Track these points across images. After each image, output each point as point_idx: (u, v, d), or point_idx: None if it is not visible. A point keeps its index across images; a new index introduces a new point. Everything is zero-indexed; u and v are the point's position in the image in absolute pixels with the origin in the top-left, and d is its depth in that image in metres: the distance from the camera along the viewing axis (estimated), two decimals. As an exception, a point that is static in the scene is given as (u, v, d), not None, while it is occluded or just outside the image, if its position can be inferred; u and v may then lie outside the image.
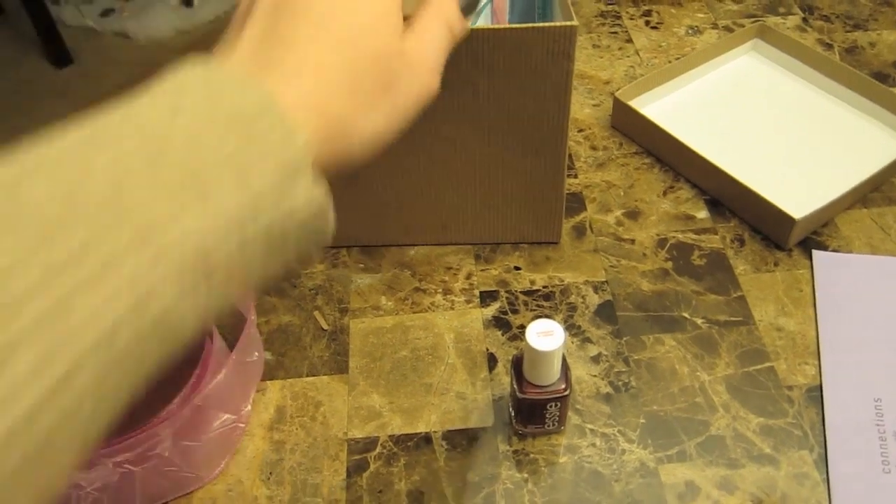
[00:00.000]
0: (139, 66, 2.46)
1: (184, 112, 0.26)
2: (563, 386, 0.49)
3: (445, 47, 0.37)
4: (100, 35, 2.60)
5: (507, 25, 0.52)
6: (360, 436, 0.54)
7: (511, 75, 0.54)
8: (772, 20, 0.88)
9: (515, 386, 0.50)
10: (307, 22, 0.32)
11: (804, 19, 0.88)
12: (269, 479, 0.52)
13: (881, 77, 0.80)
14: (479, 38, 0.52)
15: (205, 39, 2.54)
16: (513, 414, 0.53)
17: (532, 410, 0.51)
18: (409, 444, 0.54)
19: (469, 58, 0.53)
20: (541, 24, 0.51)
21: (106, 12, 2.62)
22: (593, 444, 0.53)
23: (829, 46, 0.84)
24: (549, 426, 0.52)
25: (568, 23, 0.51)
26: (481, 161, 0.59)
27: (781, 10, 0.89)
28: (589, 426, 0.54)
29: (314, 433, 0.54)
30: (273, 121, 0.27)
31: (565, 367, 0.50)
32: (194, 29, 2.59)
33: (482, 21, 0.58)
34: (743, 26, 0.86)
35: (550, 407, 0.50)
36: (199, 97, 0.27)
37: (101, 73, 2.47)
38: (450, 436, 0.54)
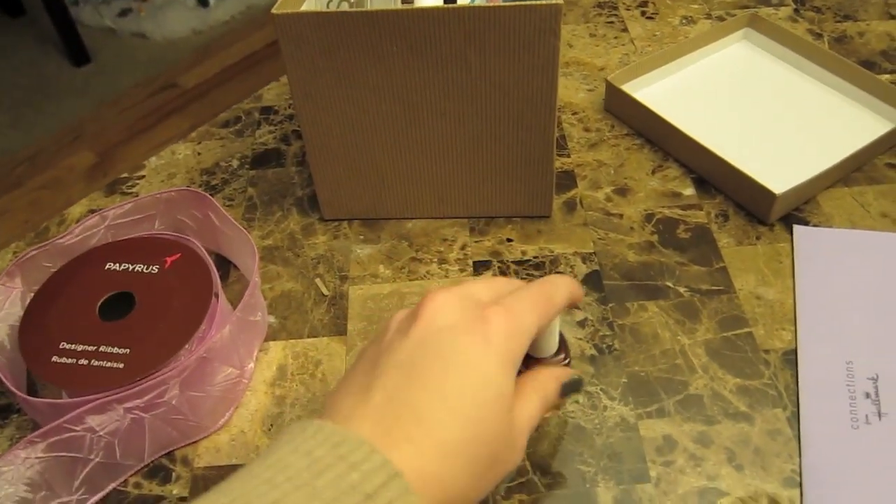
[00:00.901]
0: (155, 64, 2.51)
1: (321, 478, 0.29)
2: (563, 356, 0.50)
3: (536, 425, 0.40)
4: (117, 35, 2.66)
5: (498, 4, 0.55)
6: (357, 392, 0.57)
7: (502, 51, 0.57)
8: (764, 11, 0.90)
9: None
10: (438, 396, 0.34)
11: (796, 10, 0.91)
12: (270, 430, 0.55)
13: (868, 65, 0.82)
14: (471, 15, 0.55)
15: (219, 38, 2.59)
16: None
17: None
18: (402, 400, 0.57)
19: (462, 35, 0.56)
20: (528, 3, 0.54)
21: (123, 12, 2.68)
22: (577, 402, 0.56)
23: (819, 36, 0.87)
24: None
25: (553, 1, 0.54)
26: (475, 135, 0.62)
27: (774, 0, 0.92)
28: (573, 385, 0.57)
29: (313, 389, 0.58)
30: (400, 491, 0.29)
31: (563, 338, 0.51)
32: (209, 29, 2.65)
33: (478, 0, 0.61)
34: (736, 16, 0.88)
35: None
36: (330, 462, 0.30)
37: (118, 72, 2.52)
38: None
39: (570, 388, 0.45)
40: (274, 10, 0.55)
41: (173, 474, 0.54)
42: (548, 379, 0.43)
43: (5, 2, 2.72)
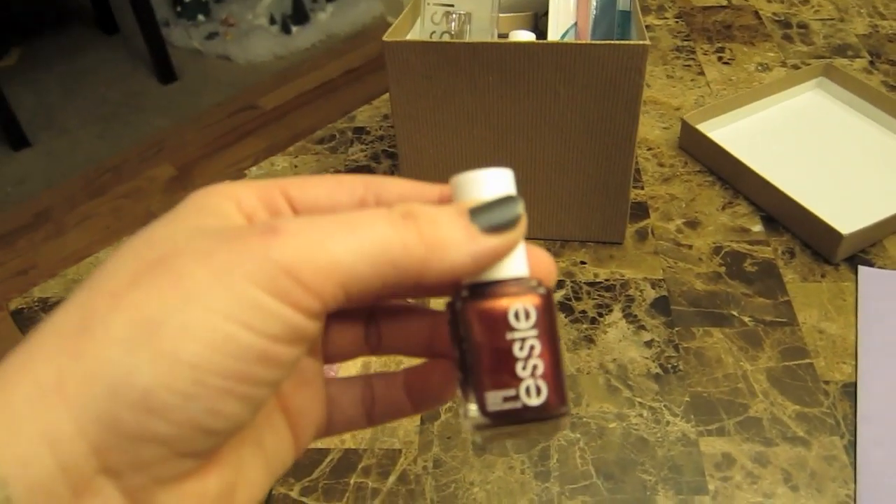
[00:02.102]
0: (236, 86, 2.63)
1: None
2: (535, 283, 0.25)
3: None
4: (204, 56, 2.79)
5: (588, 41, 0.60)
6: (434, 391, 0.62)
7: (589, 86, 0.61)
8: (839, 61, 0.93)
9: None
10: None
11: (871, 62, 0.93)
12: (353, 419, 0.60)
13: (940, 118, 0.85)
14: (562, 51, 0.60)
15: (299, 65, 2.70)
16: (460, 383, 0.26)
17: (491, 346, 0.25)
18: (476, 402, 0.61)
19: (553, 68, 0.61)
20: (616, 42, 0.59)
21: (211, 35, 2.81)
22: (640, 415, 0.59)
23: (894, 88, 0.89)
24: (525, 394, 0.24)
25: (640, 42, 0.58)
26: (558, 162, 0.67)
27: (849, 53, 0.95)
28: (638, 399, 0.60)
29: (394, 386, 0.62)
30: None
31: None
32: (290, 55, 2.76)
33: (570, 35, 0.66)
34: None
35: (516, 334, 0.25)
36: None
37: (201, 91, 2.64)
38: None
39: (493, 214, 0.24)
40: (385, 38, 0.61)
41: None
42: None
43: (102, 20, 2.88)
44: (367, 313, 0.29)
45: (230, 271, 0.21)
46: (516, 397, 0.24)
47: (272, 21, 2.84)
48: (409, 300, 0.31)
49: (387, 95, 0.91)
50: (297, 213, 0.26)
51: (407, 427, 0.59)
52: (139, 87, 2.68)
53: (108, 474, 0.20)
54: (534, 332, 0.24)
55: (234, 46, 2.77)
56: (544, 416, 0.24)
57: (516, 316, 0.24)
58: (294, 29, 2.80)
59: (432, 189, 0.27)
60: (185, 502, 0.22)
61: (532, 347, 0.24)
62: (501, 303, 0.24)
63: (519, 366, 0.24)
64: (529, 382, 0.24)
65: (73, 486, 0.20)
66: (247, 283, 0.21)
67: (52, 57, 2.80)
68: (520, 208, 0.24)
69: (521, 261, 0.25)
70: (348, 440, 0.59)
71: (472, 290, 0.25)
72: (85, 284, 0.22)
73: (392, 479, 0.57)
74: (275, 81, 2.67)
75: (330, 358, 0.29)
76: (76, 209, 2.18)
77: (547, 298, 0.25)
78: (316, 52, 2.80)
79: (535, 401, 0.24)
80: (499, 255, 0.24)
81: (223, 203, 0.24)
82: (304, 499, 0.56)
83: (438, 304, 0.27)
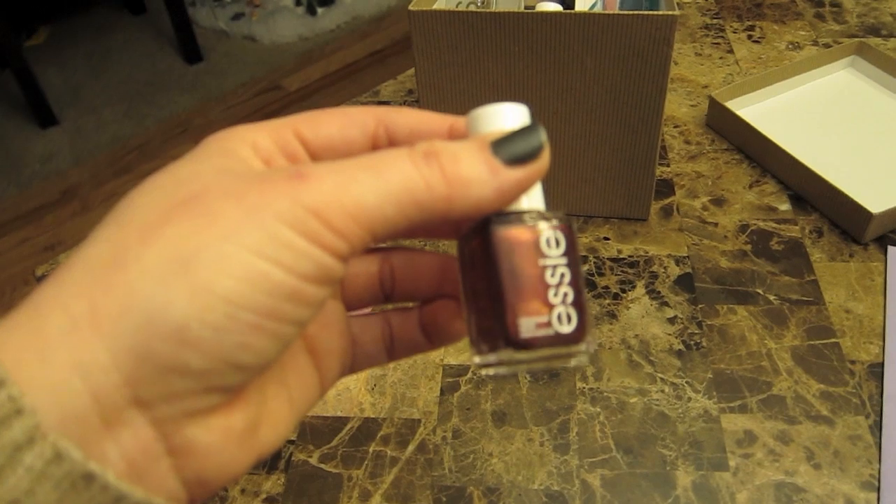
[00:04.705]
0: (261, 66, 2.63)
1: None
2: (561, 213, 0.26)
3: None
4: (229, 36, 2.79)
5: (616, 12, 0.59)
6: (455, 363, 0.61)
7: (616, 57, 0.61)
8: (872, 40, 0.92)
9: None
10: None
11: (904, 42, 0.91)
12: (373, 389, 0.60)
13: (976, 99, 0.83)
14: (590, 21, 0.59)
15: (323, 46, 2.70)
16: (470, 323, 0.26)
17: (523, 273, 0.24)
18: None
19: (580, 39, 0.60)
20: (645, 12, 0.58)
21: (237, 16, 2.82)
22: (662, 391, 0.59)
23: (927, 68, 0.87)
24: (556, 321, 0.24)
25: (670, 12, 0.58)
26: (583, 135, 0.66)
27: (883, 32, 0.93)
28: (660, 375, 0.60)
29: (415, 357, 0.62)
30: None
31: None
32: (315, 36, 2.76)
33: (598, 7, 0.65)
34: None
35: (548, 260, 0.24)
36: None
37: (226, 72, 2.65)
38: (534, 371, 0.61)
39: (515, 145, 0.23)
40: (410, 7, 0.61)
41: (284, 420, 0.59)
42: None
43: (128, 0, 2.89)
44: (380, 259, 0.29)
45: (262, 211, 0.21)
46: (548, 324, 0.24)
47: (297, 2, 2.84)
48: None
49: (411, 71, 0.91)
50: (311, 153, 0.26)
51: (426, 397, 0.59)
52: (165, 66, 2.69)
53: (138, 405, 0.21)
54: (564, 261, 0.24)
55: (260, 27, 2.77)
56: (574, 343, 0.24)
57: (548, 243, 0.24)
58: (319, 10, 2.80)
59: (443, 119, 0.27)
60: (212, 435, 0.22)
61: (563, 275, 0.24)
62: (534, 229, 0.24)
63: (551, 292, 0.24)
64: (561, 310, 0.24)
65: (105, 416, 0.20)
66: (279, 223, 0.21)
67: (79, 36, 2.82)
68: (542, 136, 0.24)
69: (540, 195, 0.26)
70: (368, 409, 0.59)
71: (499, 220, 0.24)
72: (112, 219, 0.22)
73: (411, 448, 0.57)
74: (299, 62, 2.67)
75: (348, 305, 0.29)
76: (102, 187, 2.20)
77: (572, 229, 0.25)
78: (341, 33, 2.80)
79: (566, 328, 0.24)
80: (523, 188, 0.24)
81: (240, 147, 0.24)
82: (322, 465, 0.56)
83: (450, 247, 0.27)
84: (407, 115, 0.26)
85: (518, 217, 0.24)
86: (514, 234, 0.24)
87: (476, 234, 0.25)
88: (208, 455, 0.22)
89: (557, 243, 0.24)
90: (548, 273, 0.24)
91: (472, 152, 0.23)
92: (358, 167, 0.22)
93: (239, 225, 0.21)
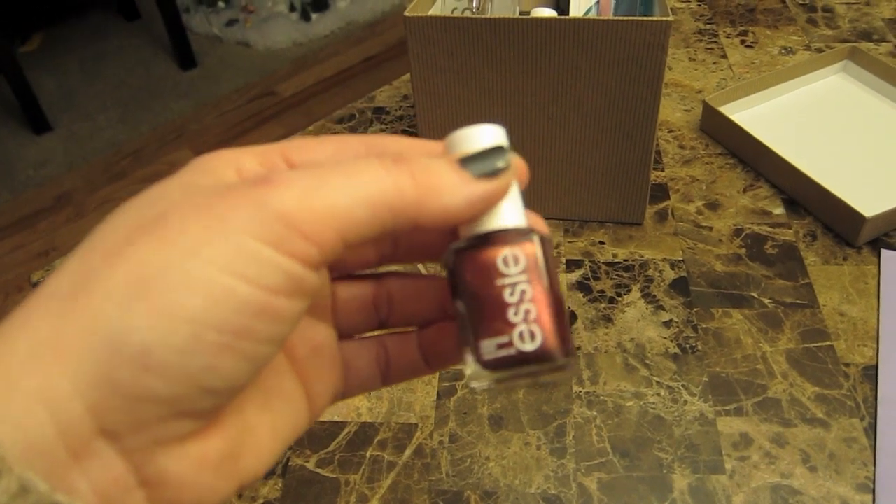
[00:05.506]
0: (255, 72, 2.64)
1: None
2: (527, 230, 0.25)
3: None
4: (223, 42, 2.79)
5: (611, 17, 0.59)
6: (451, 368, 0.61)
7: (611, 63, 0.61)
8: (865, 45, 0.92)
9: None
10: None
11: (896, 47, 0.92)
12: (370, 394, 0.60)
13: (967, 103, 0.83)
14: (585, 27, 0.59)
15: (318, 51, 2.70)
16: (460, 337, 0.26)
17: (482, 294, 0.24)
18: (493, 379, 0.61)
19: (575, 44, 0.60)
20: (639, 18, 0.58)
21: (231, 22, 2.82)
22: (658, 394, 0.59)
23: (919, 73, 0.88)
24: (518, 340, 0.24)
25: (663, 17, 0.58)
26: (578, 140, 0.66)
27: (875, 37, 0.94)
28: (656, 379, 0.60)
29: (411, 362, 0.62)
30: None
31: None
32: (309, 42, 2.76)
33: (592, 13, 0.66)
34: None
35: (506, 279, 0.24)
36: None
37: (220, 77, 2.65)
38: (519, 387, 0.61)
39: (482, 163, 0.24)
40: (406, 13, 0.61)
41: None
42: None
43: (123, 6, 2.89)
44: (374, 285, 0.29)
45: (225, 223, 0.20)
46: (510, 343, 0.24)
47: (292, 8, 2.84)
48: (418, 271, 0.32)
49: (407, 77, 0.91)
50: None
51: (423, 401, 0.59)
52: (159, 72, 2.69)
53: (106, 436, 0.20)
54: (524, 277, 0.24)
55: (254, 33, 2.77)
56: (542, 360, 0.24)
57: (505, 262, 0.24)
58: (313, 16, 2.80)
59: (434, 146, 0.27)
60: (186, 464, 0.21)
61: (523, 292, 0.24)
62: (491, 250, 0.24)
63: (510, 311, 0.24)
64: (522, 328, 0.24)
65: (71, 447, 0.19)
66: (243, 233, 0.20)
67: (73, 42, 2.82)
68: (508, 156, 0.24)
69: (515, 211, 0.25)
70: (365, 414, 0.59)
71: (467, 242, 0.25)
72: (85, 243, 0.22)
73: (408, 452, 0.57)
74: (293, 68, 2.67)
75: (342, 332, 0.29)
76: (96, 193, 2.19)
77: (540, 244, 0.25)
78: (335, 39, 2.80)
79: (529, 346, 0.24)
80: (491, 200, 0.24)
81: (223, 167, 0.24)
82: (319, 470, 0.56)
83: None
84: (398, 142, 0.26)
85: (483, 238, 0.25)
86: (474, 254, 0.24)
87: (445, 259, 0.25)
88: (183, 485, 0.21)
89: (516, 261, 0.24)
90: (506, 292, 0.24)
91: (441, 163, 0.24)
92: (328, 171, 0.22)
93: (201, 239, 0.20)
